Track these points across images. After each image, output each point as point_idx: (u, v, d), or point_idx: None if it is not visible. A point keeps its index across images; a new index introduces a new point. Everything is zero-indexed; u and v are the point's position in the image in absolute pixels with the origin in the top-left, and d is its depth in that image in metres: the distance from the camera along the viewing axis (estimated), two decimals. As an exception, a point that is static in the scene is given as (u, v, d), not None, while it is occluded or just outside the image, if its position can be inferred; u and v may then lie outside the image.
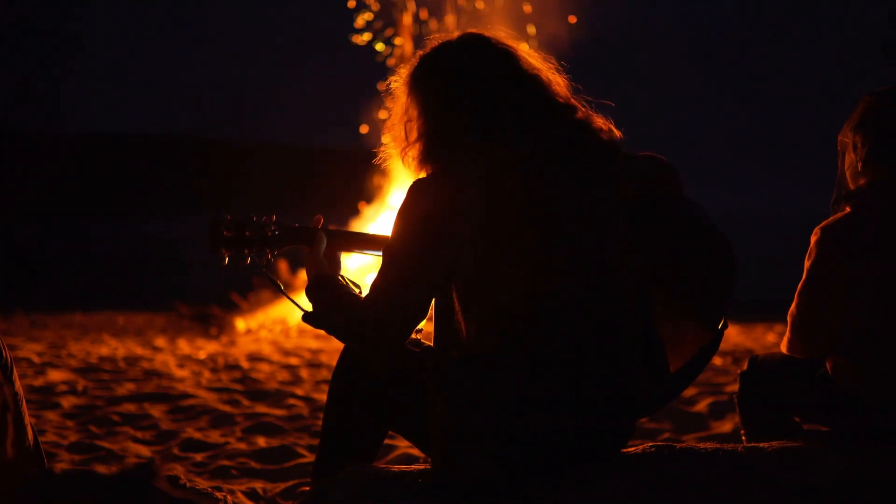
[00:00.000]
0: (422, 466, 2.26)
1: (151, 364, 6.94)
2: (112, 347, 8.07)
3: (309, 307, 2.27)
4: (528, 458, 2.08)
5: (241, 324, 9.92)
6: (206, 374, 6.52)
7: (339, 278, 2.31)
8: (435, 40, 2.25)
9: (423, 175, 2.19)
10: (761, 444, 2.38)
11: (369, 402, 2.28)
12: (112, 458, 3.97)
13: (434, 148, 2.17)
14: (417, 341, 2.26)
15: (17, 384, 2.38)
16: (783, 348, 2.66)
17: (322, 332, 2.66)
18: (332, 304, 2.22)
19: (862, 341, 2.50)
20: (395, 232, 2.13)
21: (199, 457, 4.05)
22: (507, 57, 2.19)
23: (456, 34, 2.25)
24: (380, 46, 12.21)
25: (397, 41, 12.21)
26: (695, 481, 2.14)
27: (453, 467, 2.10)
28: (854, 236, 2.48)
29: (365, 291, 2.27)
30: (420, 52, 2.25)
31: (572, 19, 11.62)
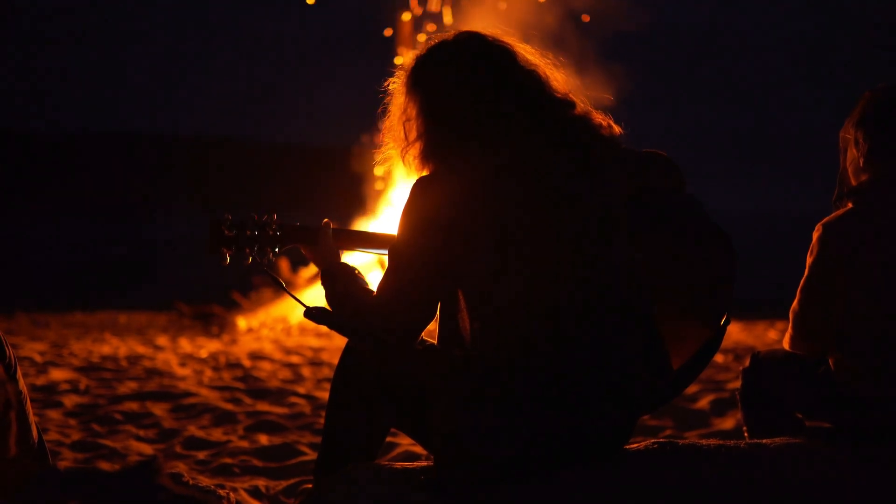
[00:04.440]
0: (424, 464, 2.26)
1: (153, 363, 6.94)
2: (114, 346, 8.06)
3: (311, 304, 2.28)
4: (530, 455, 2.09)
5: (242, 322, 9.91)
6: (208, 373, 6.52)
7: (354, 269, 2.31)
8: (431, 40, 2.26)
9: (425, 173, 2.19)
10: (763, 441, 2.39)
11: (371, 399, 2.28)
12: (115, 456, 3.98)
13: (434, 147, 2.17)
14: (420, 339, 2.27)
15: (21, 382, 2.39)
16: (785, 345, 2.67)
17: (323, 329, 2.66)
18: (345, 297, 2.22)
19: (864, 338, 2.50)
20: (400, 232, 2.13)
21: (201, 455, 4.06)
22: (504, 54, 2.19)
23: (452, 33, 2.25)
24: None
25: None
26: (697, 478, 2.14)
27: (456, 465, 2.10)
28: (856, 232, 2.49)
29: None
30: (417, 52, 2.26)
31: (586, 18, 11.60)
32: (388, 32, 12.21)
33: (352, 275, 2.27)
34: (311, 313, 2.26)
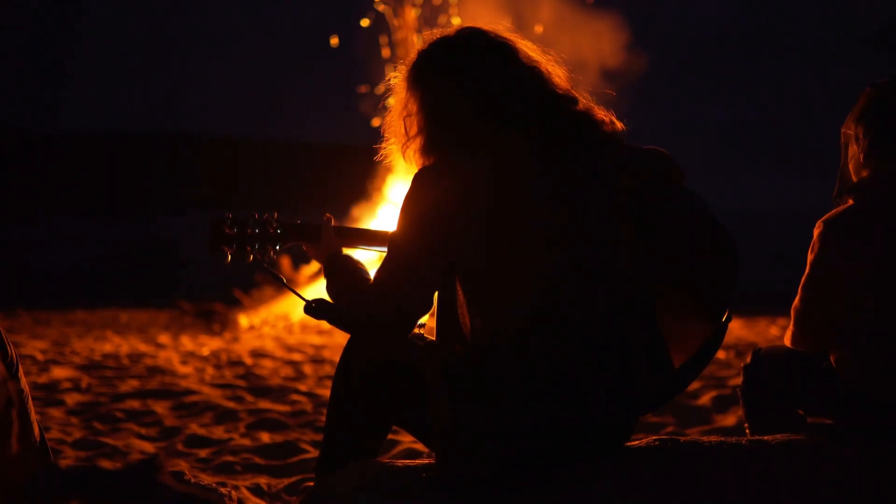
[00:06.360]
0: (426, 461, 2.26)
1: (155, 361, 6.95)
2: (115, 344, 8.07)
3: (311, 300, 2.28)
4: (532, 452, 2.09)
5: (244, 320, 9.91)
6: (210, 371, 6.52)
7: (356, 261, 2.32)
8: (433, 35, 2.26)
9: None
10: (765, 438, 2.39)
11: (373, 397, 2.28)
12: (116, 454, 3.98)
13: (434, 142, 2.18)
14: (421, 336, 2.27)
15: (23, 381, 2.39)
16: (786, 341, 2.66)
17: (325, 326, 2.67)
18: (345, 287, 2.23)
19: (865, 334, 2.50)
20: (399, 222, 2.14)
21: (202, 453, 4.06)
22: (506, 49, 2.19)
23: (454, 29, 2.25)
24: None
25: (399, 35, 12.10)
26: (698, 475, 2.14)
27: (457, 462, 2.10)
28: (857, 229, 2.48)
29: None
30: (418, 48, 2.27)
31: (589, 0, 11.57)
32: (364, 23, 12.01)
33: (353, 266, 2.28)
34: (311, 308, 2.27)
